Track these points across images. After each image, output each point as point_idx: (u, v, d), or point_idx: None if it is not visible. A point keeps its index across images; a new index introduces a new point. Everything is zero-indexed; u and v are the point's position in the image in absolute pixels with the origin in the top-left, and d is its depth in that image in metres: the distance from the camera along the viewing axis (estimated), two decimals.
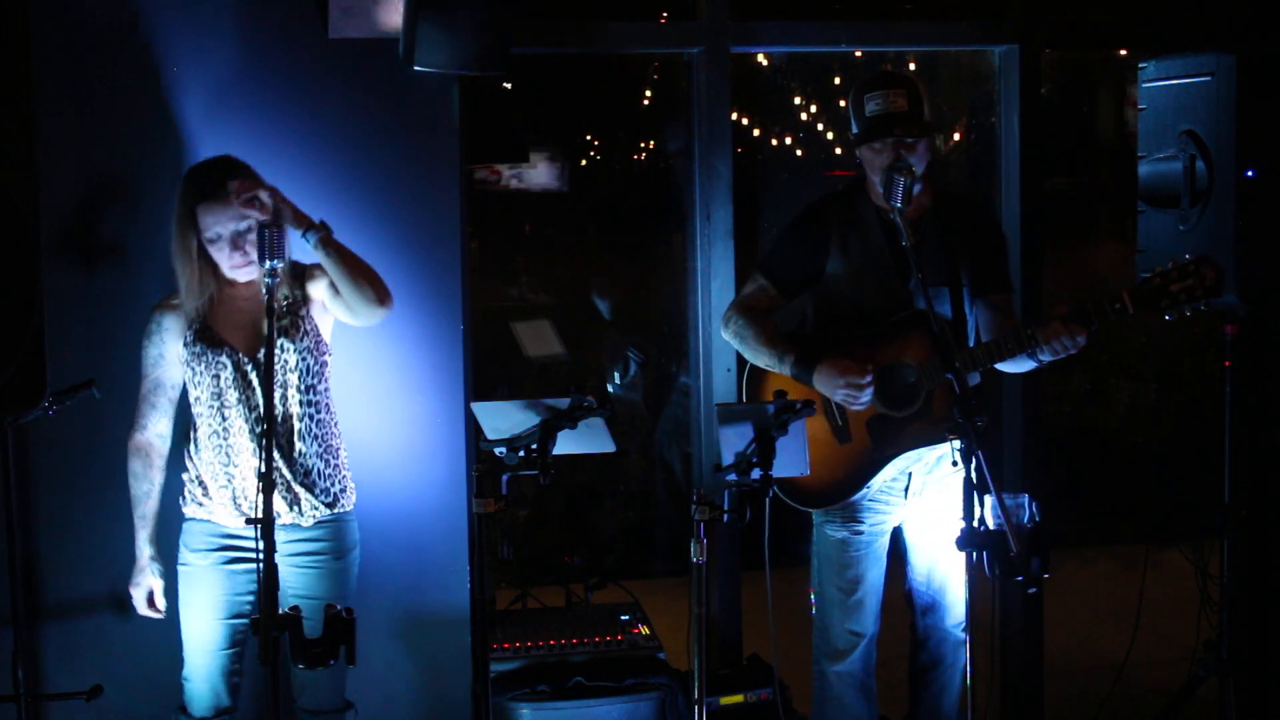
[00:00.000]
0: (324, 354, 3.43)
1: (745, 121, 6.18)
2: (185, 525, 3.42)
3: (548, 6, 4.08)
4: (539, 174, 6.64)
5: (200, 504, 3.38)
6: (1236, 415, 3.77)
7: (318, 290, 3.41)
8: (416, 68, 3.64)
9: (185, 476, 3.41)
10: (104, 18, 3.67)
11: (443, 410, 3.91)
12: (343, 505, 3.44)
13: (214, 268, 3.32)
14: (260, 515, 2.77)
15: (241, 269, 3.30)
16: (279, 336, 3.30)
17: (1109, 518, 6.41)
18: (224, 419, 3.31)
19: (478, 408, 3.20)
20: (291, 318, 3.36)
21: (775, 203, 6.21)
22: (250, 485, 3.30)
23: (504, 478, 3.14)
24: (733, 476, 3.05)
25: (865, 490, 3.57)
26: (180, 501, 3.43)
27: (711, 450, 4.11)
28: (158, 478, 3.41)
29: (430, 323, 3.89)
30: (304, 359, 3.36)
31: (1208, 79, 3.63)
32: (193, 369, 3.33)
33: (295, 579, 3.36)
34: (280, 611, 2.75)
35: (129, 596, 3.45)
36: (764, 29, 4.26)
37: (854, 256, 3.57)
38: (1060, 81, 6.95)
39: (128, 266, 3.70)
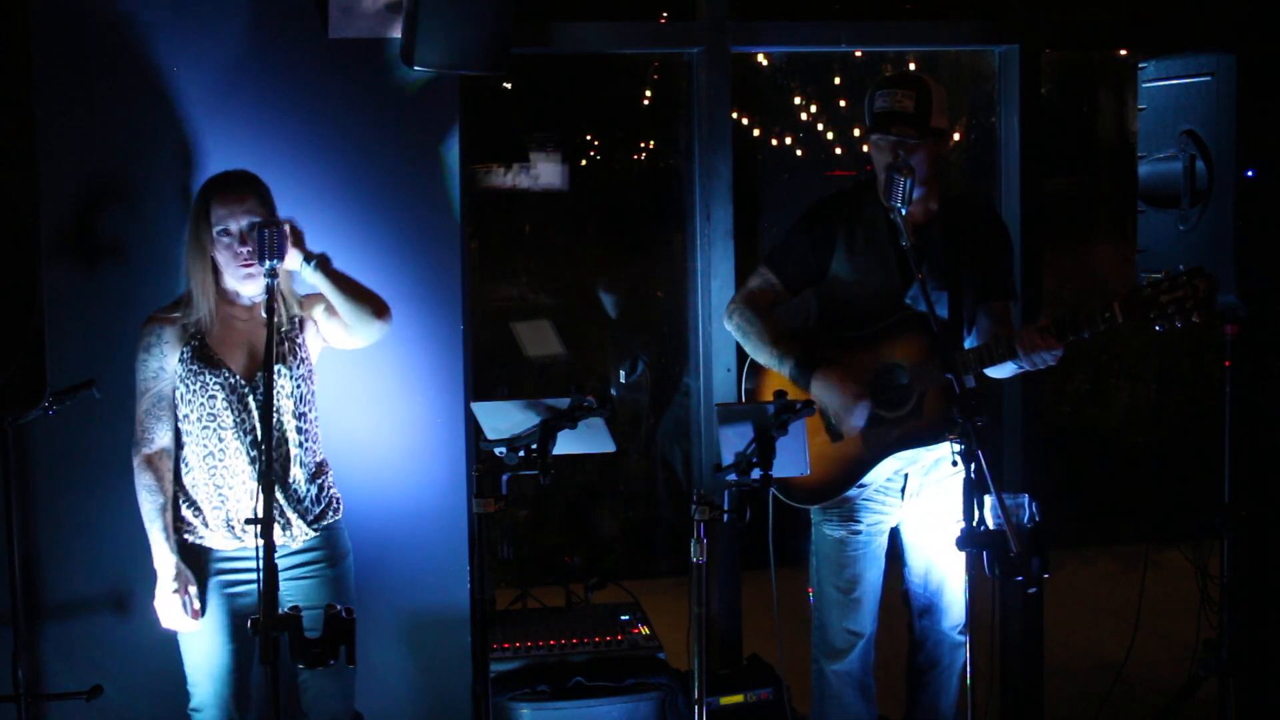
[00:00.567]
0: (313, 381, 3.43)
1: (745, 121, 6.18)
2: (180, 551, 3.32)
3: (548, 6, 4.08)
4: (539, 174, 6.63)
5: (192, 528, 3.32)
6: (1236, 415, 3.77)
7: (315, 312, 3.42)
8: (416, 68, 3.64)
9: (180, 499, 3.35)
10: (104, 18, 3.67)
11: (443, 410, 3.91)
12: (330, 518, 3.44)
13: (218, 279, 3.31)
14: (260, 515, 2.77)
15: (245, 277, 3.27)
16: (276, 363, 3.29)
17: (1109, 518, 6.41)
18: (220, 440, 3.29)
19: (478, 408, 3.20)
20: (289, 344, 3.35)
21: (775, 203, 6.21)
22: (244, 509, 3.28)
23: (504, 478, 3.14)
24: (733, 476, 3.05)
25: (859, 489, 3.58)
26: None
27: (711, 450, 4.11)
28: (170, 487, 3.33)
29: (430, 323, 3.89)
30: (299, 386, 3.35)
31: (1208, 79, 3.63)
32: (187, 386, 3.29)
33: (293, 590, 3.33)
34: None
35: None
36: (764, 29, 4.26)
37: (859, 255, 3.58)
38: (1060, 81, 6.95)
39: (128, 266, 3.70)
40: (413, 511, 3.90)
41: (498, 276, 6.71)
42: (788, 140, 6.46)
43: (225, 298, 3.34)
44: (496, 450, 3.16)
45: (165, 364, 3.31)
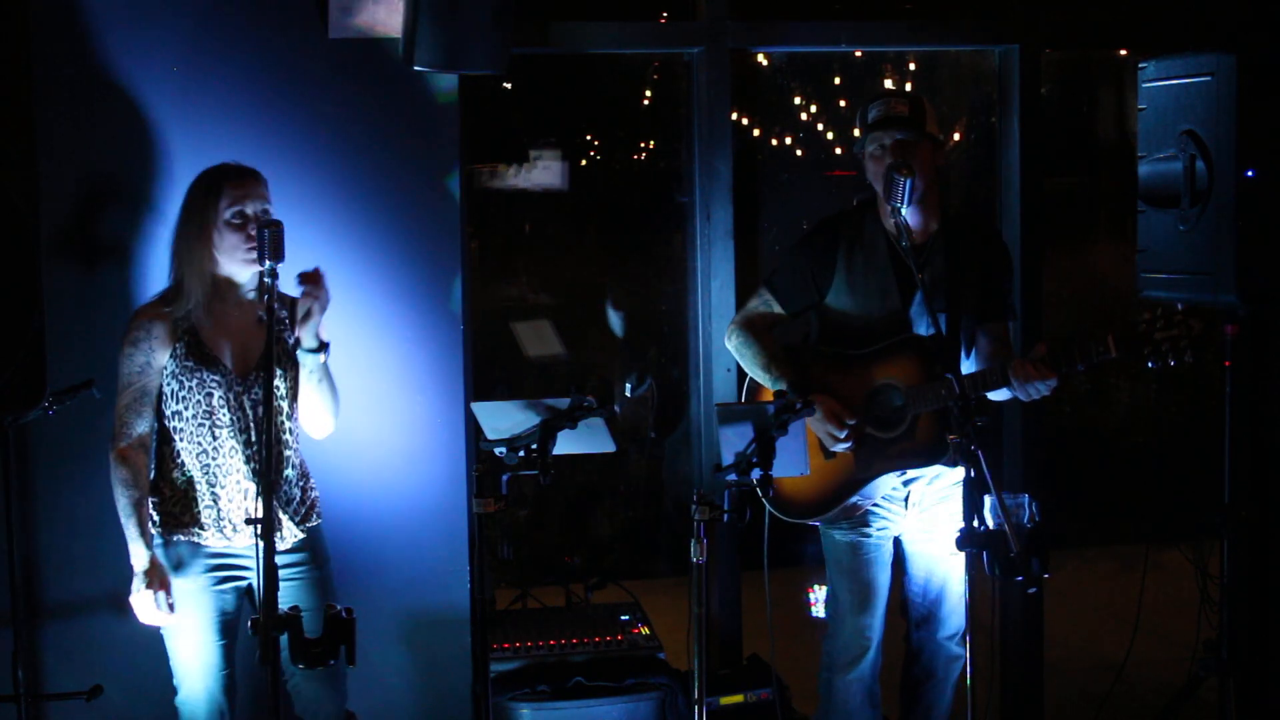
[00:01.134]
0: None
1: (745, 121, 6.18)
2: (160, 552, 3.31)
3: (548, 6, 4.08)
4: (539, 174, 6.63)
5: (180, 525, 3.30)
6: (1236, 415, 3.77)
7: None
8: (416, 68, 3.64)
9: (154, 499, 3.33)
10: (104, 18, 3.67)
11: (443, 410, 3.91)
12: (314, 520, 3.44)
13: (214, 268, 3.30)
14: (260, 515, 2.77)
15: (250, 262, 3.23)
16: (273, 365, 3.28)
17: (1109, 518, 6.41)
18: (214, 438, 3.28)
19: (478, 408, 3.20)
20: (282, 344, 3.34)
21: (775, 203, 6.20)
22: (236, 507, 3.27)
23: (504, 478, 3.14)
24: (733, 476, 3.05)
25: (862, 498, 3.58)
26: (150, 527, 3.31)
27: (711, 450, 4.11)
28: (146, 482, 3.31)
29: (430, 323, 3.89)
30: (291, 389, 3.36)
31: (1208, 79, 3.62)
32: (182, 383, 3.27)
33: (281, 593, 3.31)
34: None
35: (130, 607, 3.30)
36: (764, 29, 4.26)
37: (859, 278, 3.59)
38: (1060, 81, 6.94)
39: (128, 266, 3.70)
40: (413, 511, 3.90)
41: (498, 276, 6.70)
42: (788, 140, 6.45)
43: (217, 292, 3.31)
44: (496, 450, 3.16)
45: (153, 360, 3.28)
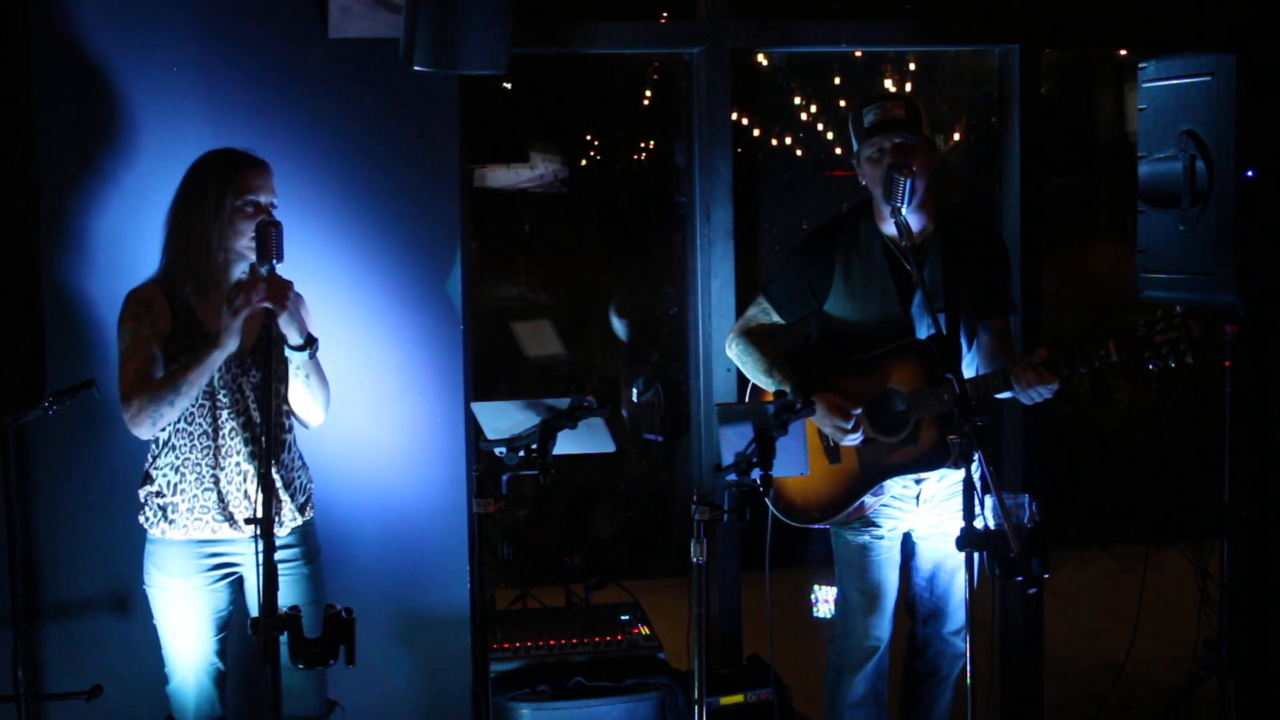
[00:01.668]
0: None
1: (745, 121, 6.18)
2: (155, 548, 3.29)
3: (548, 6, 4.08)
4: (539, 174, 6.63)
5: (172, 522, 3.26)
6: (1236, 415, 3.77)
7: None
8: (416, 68, 3.64)
9: (148, 490, 3.29)
10: (104, 18, 3.67)
11: (443, 410, 3.91)
12: (309, 513, 3.43)
13: (222, 248, 3.25)
14: (260, 515, 2.77)
15: (249, 250, 3.20)
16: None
17: (1109, 518, 6.41)
18: (214, 419, 3.27)
19: (478, 408, 3.20)
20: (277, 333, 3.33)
21: (775, 203, 6.21)
22: (235, 489, 3.26)
23: (504, 478, 3.14)
24: (733, 476, 3.05)
25: (873, 496, 3.59)
26: (143, 520, 3.30)
27: (711, 450, 4.11)
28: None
29: (430, 323, 3.89)
30: (289, 373, 3.35)
31: (1208, 79, 3.62)
32: (181, 363, 3.22)
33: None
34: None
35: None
36: (764, 29, 4.26)
37: (857, 284, 3.59)
38: (1060, 81, 6.95)
39: (128, 266, 3.70)
40: (413, 511, 3.90)
41: (498, 276, 6.70)
42: (788, 140, 6.46)
43: (215, 274, 3.27)
44: (496, 450, 3.16)
45: (156, 328, 3.22)
